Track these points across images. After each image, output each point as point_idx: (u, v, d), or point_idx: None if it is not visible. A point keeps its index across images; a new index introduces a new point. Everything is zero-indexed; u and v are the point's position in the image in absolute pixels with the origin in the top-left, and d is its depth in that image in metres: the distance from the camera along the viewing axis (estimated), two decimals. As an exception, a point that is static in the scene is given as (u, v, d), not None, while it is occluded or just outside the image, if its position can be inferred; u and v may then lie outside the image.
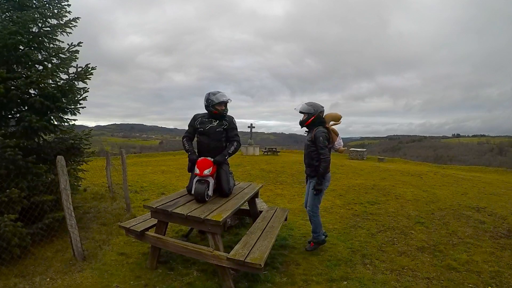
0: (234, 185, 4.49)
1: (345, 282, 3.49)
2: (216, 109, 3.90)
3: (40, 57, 4.94)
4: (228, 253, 3.12)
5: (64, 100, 4.85)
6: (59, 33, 5.12)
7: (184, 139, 4.09)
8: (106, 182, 7.70)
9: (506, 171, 14.84)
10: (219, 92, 3.94)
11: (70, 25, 5.18)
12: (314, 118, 4.10)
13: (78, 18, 5.25)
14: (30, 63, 4.76)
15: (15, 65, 4.66)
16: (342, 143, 4.29)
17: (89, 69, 5.17)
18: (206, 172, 3.66)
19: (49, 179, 4.55)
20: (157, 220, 3.65)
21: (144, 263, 3.82)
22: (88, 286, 3.37)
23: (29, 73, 4.42)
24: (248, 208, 4.82)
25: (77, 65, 5.09)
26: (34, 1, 4.96)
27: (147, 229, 3.74)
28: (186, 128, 4.16)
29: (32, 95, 4.65)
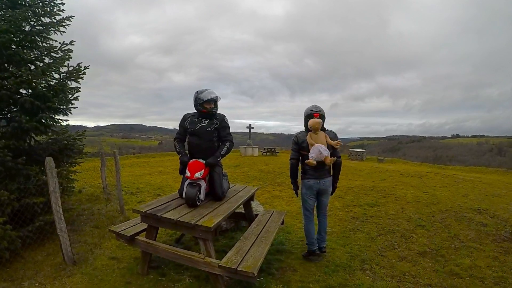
0: (229, 188, 4.35)
1: (344, 290, 3.37)
2: (204, 107, 3.76)
3: (32, 56, 4.82)
4: (221, 258, 3.00)
5: (55, 100, 4.71)
6: (52, 32, 5.03)
7: (175, 141, 3.95)
8: (102, 183, 7.57)
9: (507, 172, 14.71)
10: (206, 89, 3.79)
11: (64, 24, 5.09)
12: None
13: (72, 16, 5.16)
14: (21, 62, 4.64)
15: (6, 64, 4.55)
16: (315, 156, 3.79)
17: (81, 69, 5.05)
18: (197, 175, 3.52)
19: (41, 180, 4.43)
20: (147, 224, 3.52)
21: (136, 268, 3.69)
22: (77, 292, 3.25)
23: (20, 72, 4.30)
24: (243, 211, 4.68)
25: (68, 64, 4.98)
26: (27, -1, 4.85)
27: (137, 234, 3.61)
28: (177, 130, 4.01)
29: (24, 95, 4.54)
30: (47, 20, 4.96)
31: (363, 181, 10.02)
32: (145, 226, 3.63)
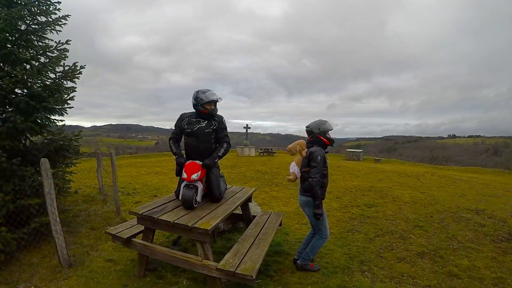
0: (226, 189, 4.31)
1: (342, 291, 3.35)
2: (205, 108, 3.68)
3: (27, 55, 4.76)
4: (220, 261, 2.96)
5: (51, 100, 4.65)
6: (48, 31, 4.98)
7: (171, 141, 3.85)
8: (98, 184, 7.51)
9: (503, 172, 14.78)
10: (209, 90, 3.71)
11: (60, 23, 5.04)
12: None
13: (68, 15, 5.10)
14: (17, 62, 4.58)
15: (1, 64, 4.50)
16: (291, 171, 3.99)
17: (77, 68, 5.00)
18: (194, 176, 3.46)
19: (37, 181, 4.37)
20: (144, 226, 3.48)
21: (132, 270, 3.65)
22: (72, 295, 3.21)
23: (15, 71, 4.24)
24: (241, 212, 4.64)
25: (64, 63, 4.92)
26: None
27: (134, 236, 3.56)
28: (173, 129, 3.92)
29: (19, 94, 4.49)
30: (43, 19, 4.90)
31: (360, 182, 10.02)
32: (141, 228, 3.58)
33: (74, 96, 5.06)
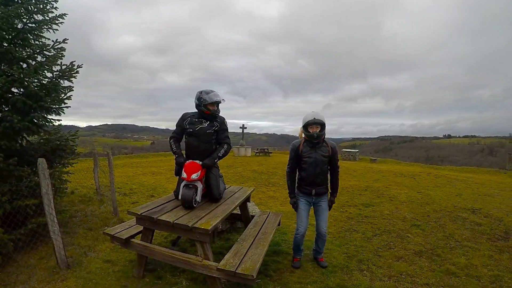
0: (225, 189, 4.30)
1: (342, 291, 3.36)
2: (208, 109, 3.68)
3: (24, 54, 4.72)
4: (219, 261, 2.96)
5: (48, 100, 4.61)
6: (45, 29, 4.94)
7: (171, 140, 3.83)
8: (95, 184, 7.47)
9: (498, 172, 14.90)
10: (212, 91, 3.71)
11: (57, 22, 4.99)
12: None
13: (65, 14, 5.06)
14: (13, 61, 4.54)
15: (-3, 63, 4.44)
16: None
17: (74, 67, 4.96)
18: (194, 176, 3.45)
19: (34, 182, 4.33)
20: (143, 227, 3.46)
21: (131, 271, 3.63)
22: (71, 296, 3.19)
23: (11, 70, 4.20)
24: (239, 212, 4.63)
25: (61, 62, 4.88)
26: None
27: (132, 236, 3.53)
28: (174, 129, 3.91)
29: (15, 94, 4.45)
30: (40, 17, 4.86)
31: (357, 182, 10.05)
32: (140, 228, 3.56)
33: (71, 95, 5.02)
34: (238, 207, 4.27)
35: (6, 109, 4.42)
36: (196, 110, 3.78)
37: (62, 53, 4.99)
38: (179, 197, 3.54)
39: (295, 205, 3.91)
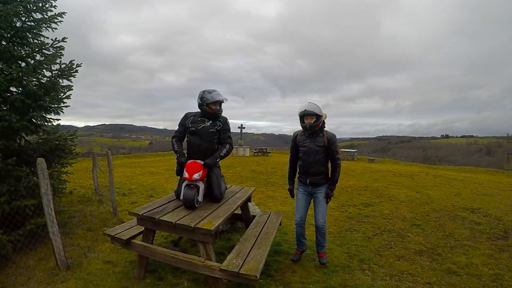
0: (226, 188, 4.28)
1: (344, 290, 3.35)
2: (210, 108, 3.68)
3: (23, 53, 4.68)
4: (221, 261, 2.94)
5: (46, 99, 4.58)
6: (44, 28, 4.91)
7: (174, 139, 3.82)
8: (93, 184, 7.43)
9: (497, 172, 14.96)
10: (215, 90, 3.71)
11: (56, 20, 4.96)
12: (322, 121, 3.77)
13: (64, 13, 5.02)
14: (12, 59, 4.50)
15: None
16: None
17: (74, 66, 4.93)
18: (196, 176, 3.43)
19: (33, 182, 4.30)
20: (144, 227, 3.43)
21: (131, 272, 3.60)
22: (71, 298, 3.15)
23: (10, 69, 4.16)
24: (240, 212, 4.62)
25: (60, 61, 4.85)
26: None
27: (133, 237, 3.51)
28: (177, 128, 3.91)
29: (14, 93, 4.41)
30: (39, 16, 4.82)
31: (356, 181, 10.04)
32: (141, 229, 3.53)
33: (71, 94, 4.99)
34: (238, 207, 4.26)
35: (4, 108, 4.38)
36: (199, 110, 3.78)
37: (61, 52, 4.96)
38: (181, 197, 3.53)
39: (291, 192, 4.14)
